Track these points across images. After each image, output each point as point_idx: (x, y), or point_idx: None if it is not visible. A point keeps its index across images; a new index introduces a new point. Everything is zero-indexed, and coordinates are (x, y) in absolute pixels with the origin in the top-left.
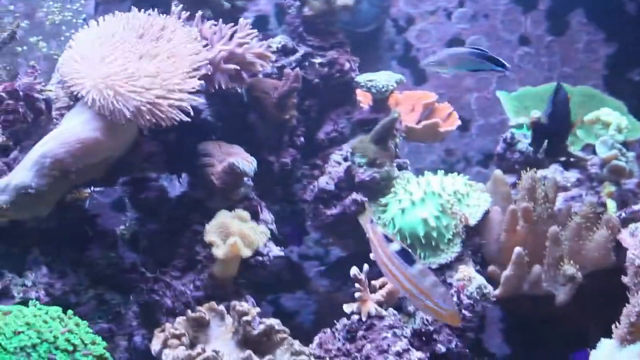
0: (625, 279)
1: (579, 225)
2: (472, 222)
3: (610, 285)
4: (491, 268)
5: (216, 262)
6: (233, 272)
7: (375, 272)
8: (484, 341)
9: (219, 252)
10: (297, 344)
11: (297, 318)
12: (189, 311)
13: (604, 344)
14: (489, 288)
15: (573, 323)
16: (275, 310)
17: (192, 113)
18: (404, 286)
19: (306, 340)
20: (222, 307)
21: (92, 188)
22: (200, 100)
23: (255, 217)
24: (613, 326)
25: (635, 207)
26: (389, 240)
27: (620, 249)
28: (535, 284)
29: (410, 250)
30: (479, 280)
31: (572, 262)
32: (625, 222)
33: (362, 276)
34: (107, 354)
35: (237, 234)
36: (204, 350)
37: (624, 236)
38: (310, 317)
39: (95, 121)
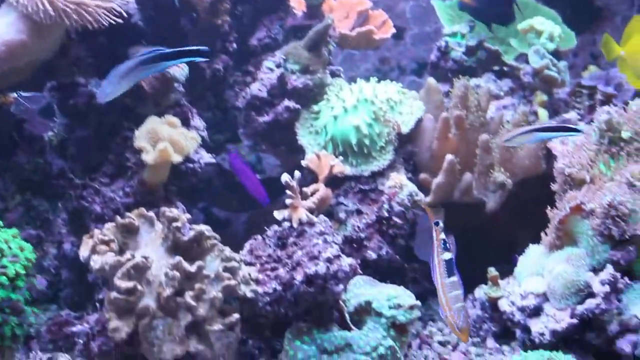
0: (554, 187)
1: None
2: (405, 129)
3: (541, 192)
4: (423, 175)
5: (146, 168)
6: (163, 178)
7: (308, 179)
8: (414, 248)
9: (148, 157)
10: (227, 251)
11: (228, 227)
12: (118, 217)
13: (532, 250)
14: (420, 195)
15: (503, 231)
16: (206, 219)
17: (122, 15)
18: (438, 293)
19: (237, 248)
20: (151, 214)
21: (18, 92)
22: (131, 1)
23: (185, 123)
24: (542, 233)
25: (567, 116)
26: (446, 247)
27: (550, 157)
28: (466, 192)
29: (454, 262)
30: (410, 187)
31: (502, 169)
32: None
33: (294, 183)
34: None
35: (167, 139)
36: (133, 257)
37: (554, 144)
38: (241, 226)
39: (20, 22)
